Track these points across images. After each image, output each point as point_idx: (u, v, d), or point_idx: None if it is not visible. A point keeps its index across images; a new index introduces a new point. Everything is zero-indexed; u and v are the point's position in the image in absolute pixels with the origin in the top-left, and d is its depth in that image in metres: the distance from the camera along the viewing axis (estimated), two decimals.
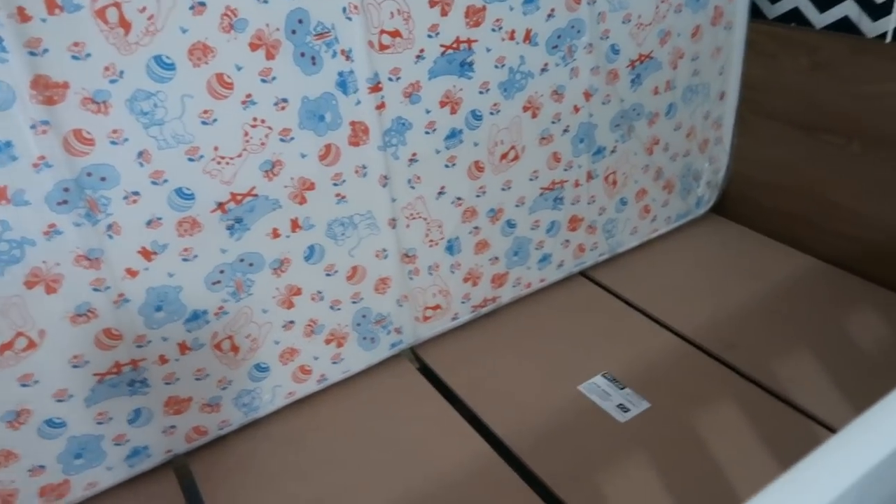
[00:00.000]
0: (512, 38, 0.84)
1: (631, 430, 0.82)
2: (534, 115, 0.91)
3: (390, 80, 0.78)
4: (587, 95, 0.94)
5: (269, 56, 0.69)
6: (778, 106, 1.09)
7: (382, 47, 0.75)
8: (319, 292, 0.84)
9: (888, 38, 0.97)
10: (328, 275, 0.83)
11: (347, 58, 0.74)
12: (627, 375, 0.89)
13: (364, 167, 0.80)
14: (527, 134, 0.91)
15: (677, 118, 1.07)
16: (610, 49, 0.94)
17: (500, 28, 0.83)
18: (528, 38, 0.85)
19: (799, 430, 0.79)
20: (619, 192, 1.06)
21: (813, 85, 1.03)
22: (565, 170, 0.98)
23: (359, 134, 0.78)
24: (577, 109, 0.94)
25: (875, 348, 0.90)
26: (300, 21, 0.70)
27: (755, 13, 1.11)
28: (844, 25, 1.02)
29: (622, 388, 0.87)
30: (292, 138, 0.74)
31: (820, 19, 1.04)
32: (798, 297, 1.01)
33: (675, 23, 0.98)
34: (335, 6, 0.71)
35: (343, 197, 0.80)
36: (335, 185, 0.79)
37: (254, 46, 0.68)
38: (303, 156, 0.75)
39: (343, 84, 0.75)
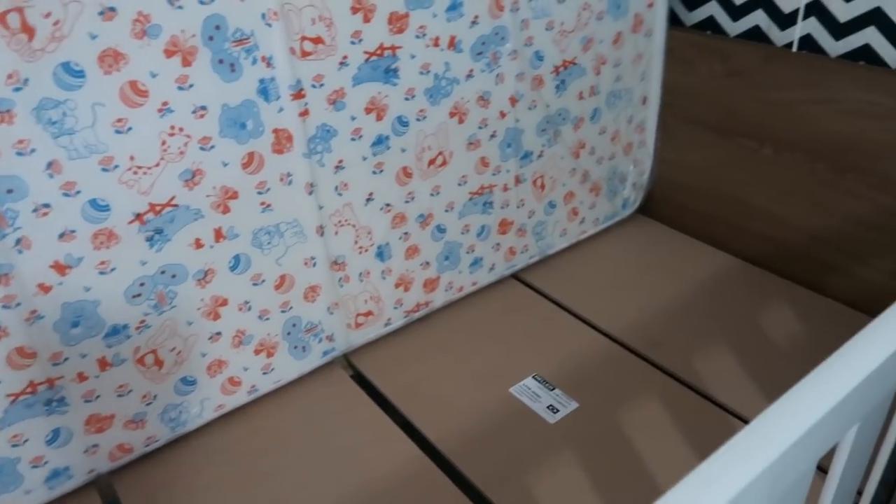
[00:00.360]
0: (436, 44, 0.85)
1: (560, 430, 0.83)
2: (461, 121, 0.92)
3: (314, 86, 0.77)
4: (513, 101, 0.96)
5: (186, 63, 0.68)
6: (696, 111, 1.14)
7: (305, 54, 0.75)
8: (247, 302, 0.83)
9: (794, 48, 1.02)
10: (255, 284, 0.82)
11: (268, 64, 0.73)
12: (557, 376, 0.91)
13: (289, 175, 0.79)
14: (454, 139, 0.92)
15: (602, 122, 1.10)
16: (534, 55, 0.95)
17: (424, 35, 0.83)
18: (453, 44, 0.86)
19: (718, 424, 0.82)
20: (548, 195, 1.08)
21: (727, 91, 1.08)
22: (494, 174, 0.99)
23: (282, 141, 0.77)
24: (503, 115, 0.96)
25: (788, 343, 0.95)
26: (217, 27, 0.69)
27: (673, 20, 1.15)
28: (756, 34, 1.07)
29: (552, 390, 0.88)
30: (213, 146, 0.72)
31: (733, 27, 1.09)
32: (718, 294, 1.05)
33: (597, 30, 1.01)
34: (254, 12, 0.70)
35: (268, 205, 0.79)
36: (259, 193, 0.78)
37: (169, 53, 0.66)
38: (224, 164, 0.74)
39: (265, 91, 0.74)
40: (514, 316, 1.03)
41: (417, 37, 0.83)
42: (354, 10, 0.76)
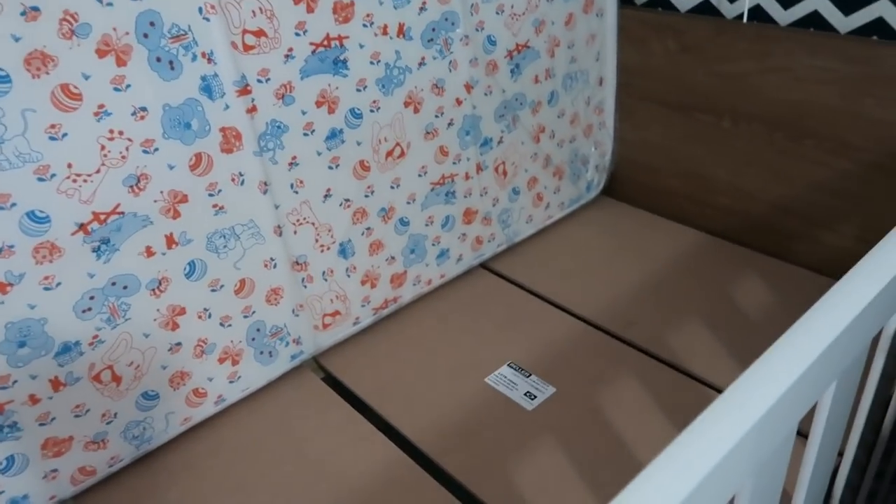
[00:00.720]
0: (385, 32, 0.83)
1: (539, 416, 0.82)
2: (416, 111, 0.90)
3: (259, 81, 0.74)
4: (468, 88, 0.94)
5: (121, 62, 0.65)
6: (653, 89, 1.13)
7: (247, 48, 0.72)
8: (206, 310, 0.80)
9: (745, 19, 1.02)
10: (213, 290, 0.79)
11: (209, 60, 0.70)
12: (533, 363, 0.89)
13: (241, 174, 0.77)
14: (410, 130, 0.90)
15: (560, 105, 1.09)
16: (486, 40, 0.94)
17: (372, 23, 0.81)
18: (402, 32, 0.84)
19: (697, 399, 0.82)
20: (511, 181, 1.07)
21: (682, 67, 1.07)
22: (454, 163, 0.97)
23: (231, 140, 0.75)
24: (459, 102, 0.94)
25: (759, 312, 0.94)
26: (152, 24, 0.66)
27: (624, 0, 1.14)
28: (706, 7, 1.07)
29: (528, 376, 0.87)
30: (156, 149, 0.69)
31: (684, 3, 1.09)
32: (687, 270, 1.05)
33: (548, 11, 1.00)
34: (190, 7, 0.67)
35: (221, 208, 0.76)
36: (211, 195, 0.75)
37: (101, 53, 0.63)
38: (171, 167, 0.71)
39: (208, 88, 0.71)
40: (485, 305, 1.02)
41: (365, 25, 0.80)
42: (297, 1, 0.74)
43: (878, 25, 0.90)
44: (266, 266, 0.83)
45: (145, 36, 0.66)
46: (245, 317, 0.83)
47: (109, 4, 0.62)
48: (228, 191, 0.76)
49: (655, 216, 1.19)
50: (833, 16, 0.94)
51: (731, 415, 0.39)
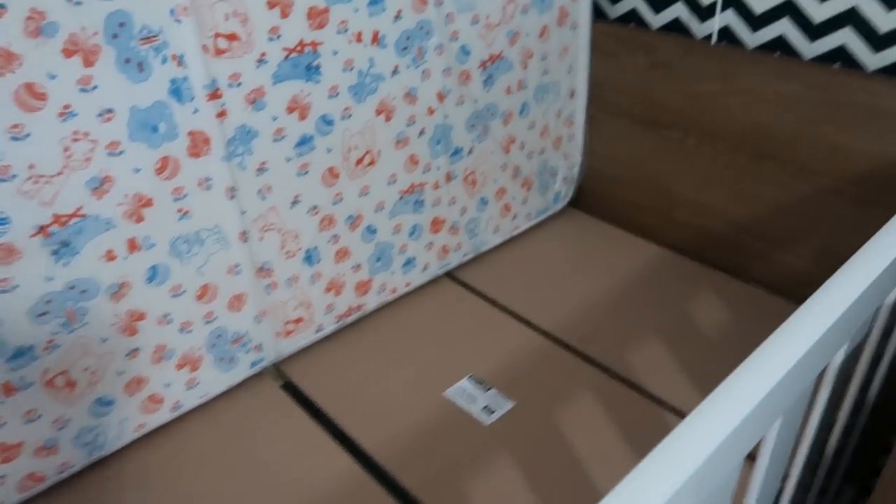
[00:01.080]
0: (359, 40, 0.82)
1: (496, 431, 0.82)
2: (388, 119, 0.89)
3: (231, 86, 0.73)
4: (440, 97, 0.94)
5: (88, 63, 0.63)
6: (622, 103, 1.15)
7: (219, 51, 0.71)
8: (166, 315, 0.78)
9: (714, 40, 1.04)
10: (175, 296, 0.78)
11: (180, 63, 0.69)
12: (493, 376, 0.90)
13: (208, 179, 0.75)
14: (382, 138, 0.90)
15: (531, 117, 1.09)
16: (460, 50, 0.94)
17: (346, 30, 0.80)
18: (376, 39, 0.83)
19: (652, 418, 0.83)
20: (479, 191, 1.07)
21: (652, 83, 1.09)
22: (424, 172, 0.97)
23: (199, 144, 0.73)
24: (431, 111, 0.94)
25: (716, 331, 0.97)
26: (122, 24, 0.64)
27: (598, 14, 1.15)
28: (677, 26, 1.08)
29: (488, 390, 0.87)
30: (122, 152, 0.68)
31: (656, 20, 1.10)
32: (648, 285, 1.07)
33: (522, 23, 1.00)
34: (161, 8, 0.66)
35: (186, 212, 0.75)
36: (176, 199, 0.74)
37: (68, 53, 0.61)
38: (136, 170, 0.69)
39: (177, 92, 0.69)
40: (448, 316, 1.02)
41: (339, 32, 0.80)
42: (271, 5, 0.73)
43: (841, 53, 0.93)
44: (230, 272, 0.82)
45: (114, 37, 0.64)
46: (206, 322, 0.82)
47: (78, 3, 0.60)
48: (194, 195, 0.75)
49: (620, 229, 1.21)
50: (798, 41, 0.96)
51: (686, 449, 0.40)
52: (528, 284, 1.08)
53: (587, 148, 1.22)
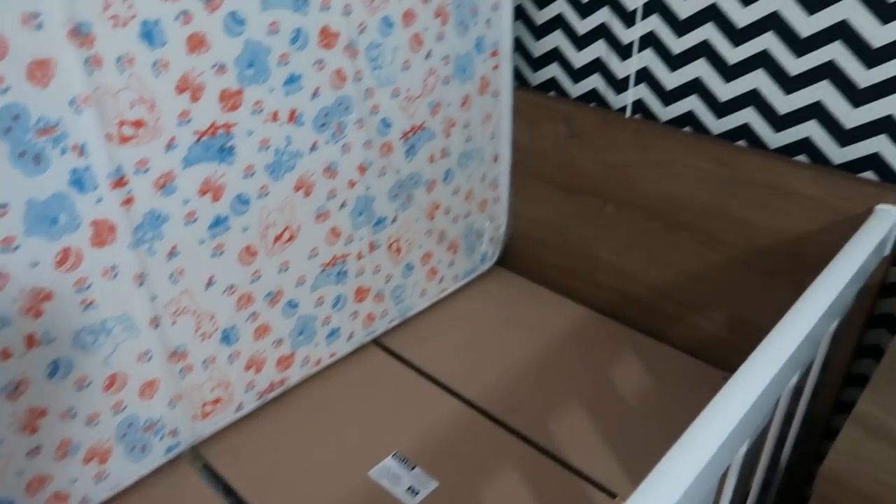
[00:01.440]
0: (275, 119, 0.81)
1: None
2: (307, 194, 0.88)
3: (137, 172, 0.71)
4: (362, 169, 0.94)
5: None
6: (544, 169, 1.17)
7: (124, 139, 0.69)
8: (71, 409, 0.74)
9: (628, 112, 1.08)
10: (80, 389, 0.74)
11: (81, 153, 0.66)
12: (418, 452, 0.89)
13: (114, 268, 0.72)
14: (301, 213, 0.88)
15: (455, 182, 1.10)
16: (381, 123, 0.94)
17: (262, 110, 0.79)
18: (293, 118, 0.83)
19: (576, 494, 0.84)
20: (405, 258, 1.07)
21: (571, 151, 1.11)
22: (346, 244, 0.96)
23: (104, 233, 0.70)
24: (352, 184, 0.93)
25: (636, 397, 0.98)
26: (16, 117, 0.61)
27: (521, 81, 1.18)
28: (595, 97, 1.12)
29: (412, 469, 0.86)
30: (17, 247, 0.64)
31: (574, 89, 1.13)
32: (572, 348, 1.08)
33: (444, 94, 1.01)
34: (60, 99, 0.63)
35: (91, 303, 0.72)
36: (79, 291, 0.70)
37: None
38: (34, 264, 0.66)
39: (79, 182, 0.67)
40: (374, 387, 1.01)
41: (254, 113, 0.78)
42: (180, 90, 0.71)
43: (745, 131, 0.97)
44: (140, 359, 0.78)
45: (8, 130, 0.61)
46: (115, 413, 0.78)
47: None
48: (99, 285, 0.72)
49: (546, 290, 1.22)
50: (706, 117, 1.01)
51: None
52: (455, 349, 1.07)
53: (513, 210, 1.23)
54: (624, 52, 1.06)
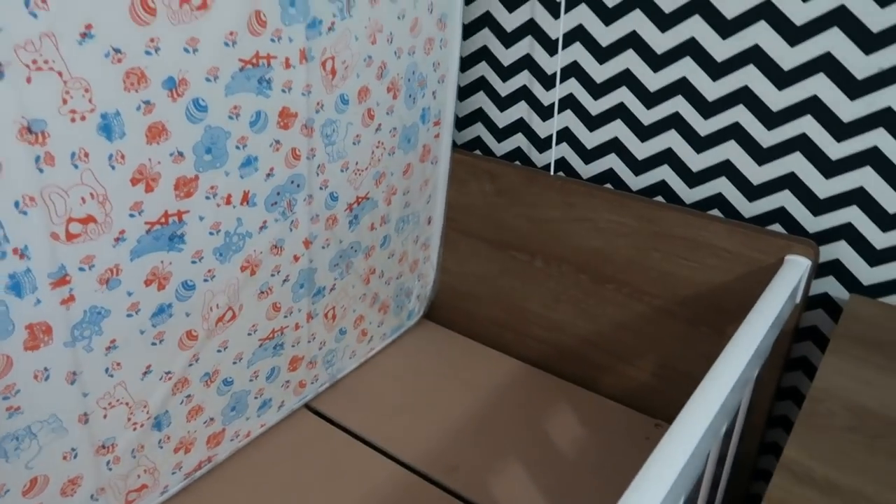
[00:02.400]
0: (228, 202, 0.76)
1: None
2: (252, 273, 0.84)
3: (82, 269, 0.65)
4: (307, 244, 0.91)
5: None
6: (474, 226, 1.18)
7: (71, 237, 0.62)
8: None
9: (552, 170, 1.11)
10: None
11: (22, 256, 0.59)
12: None
13: (46, 370, 0.66)
14: (245, 292, 0.84)
15: (391, 247, 1.09)
16: (329, 196, 0.91)
17: (216, 195, 0.74)
18: (246, 199, 0.79)
19: None
20: (339, 324, 1.05)
21: (498, 209, 1.14)
22: (285, 316, 0.93)
23: (38, 336, 0.64)
24: (296, 258, 0.90)
25: (574, 451, 1.01)
26: None
27: None
28: (519, 155, 1.14)
29: None
30: None
31: (499, 148, 1.16)
32: (506, 402, 1.09)
33: (388, 164, 1.00)
34: (4, 201, 0.57)
35: (17, 409, 0.65)
36: (5, 399, 0.63)
37: None
38: None
39: (17, 287, 0.60)
40: (305, 454, 0.98)
41: (208, 198, 0.74)
42: (135, 182, 0.66)
43: (662, 187, 1.04)
44: (65, 458, 0.72)
45: None
46: None
47: None
48: (28, 390, 0.65)
49: (477, 343, 1.24)
50: (625, 174, 1.06)
51: None
52: (386, 409, 1.06)
53: (443, 265, 1.24)
54: (545, 112, 1.10)
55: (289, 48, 0.76)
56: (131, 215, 0.67)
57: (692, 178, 1.01)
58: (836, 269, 0.92)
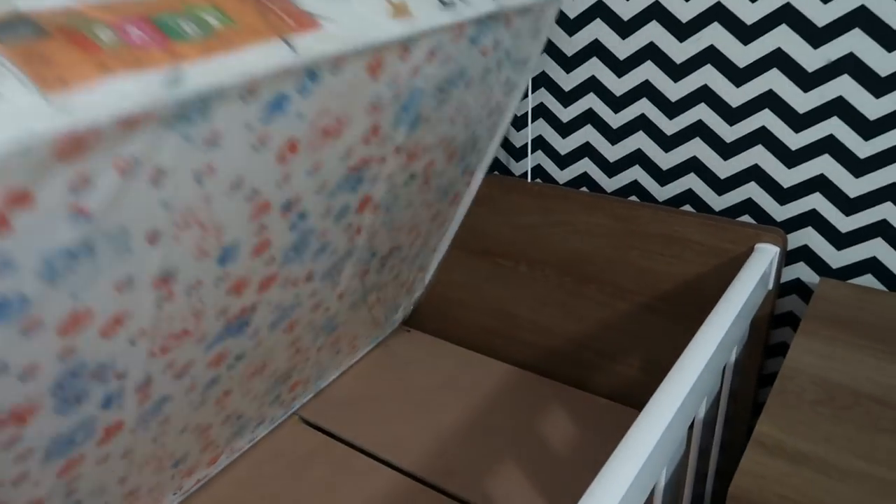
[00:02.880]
0: (295, 285, 0.77)
1: None
2: (289, 331, 0.83)
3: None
4: (341, 296, 0.91)
5: None
6: (458, 235, 1.20)
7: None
8: None
9: (529, 177, 1.15)
10: None
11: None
12: None
13: None
14: (278, 348, 0.85)
15: (400, 278, 1.12)
16: (370, 255, 0.93)
17: (287, 281, 0.75)
18: (311, 278, 0.79)
19: None
20: (336, 345, 1.07)
21: (480, 218, 1.16)
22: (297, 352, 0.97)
23: None
24: (328, 309, 0.89)
25: (568, 448, 1.04)
26: None
27: None
28: (497, 165, 1.18)
29: None
30: None
31: None
32: (500, 405, 1.12)
33: (424, 215, 1.01)
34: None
35: None
36: None
37: None
38: None
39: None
40: (298, 464, 0.98)
41: (281, 287, 0.75)
42: (229, 291, 0.66)
43: (635, 187, 1.09)
44: None
45: None
46: None
47: None
48: None
49: (467, 350, 1.26)
50: (600, 177, 1.11)
51: None
52: (380, 416, 1.07)
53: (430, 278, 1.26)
54: (519, 122, 1.14)
55: (387, 148, 0.74)
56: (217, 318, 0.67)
57: (663, 177, 1.05)
58: (805, 254, 0.99)
